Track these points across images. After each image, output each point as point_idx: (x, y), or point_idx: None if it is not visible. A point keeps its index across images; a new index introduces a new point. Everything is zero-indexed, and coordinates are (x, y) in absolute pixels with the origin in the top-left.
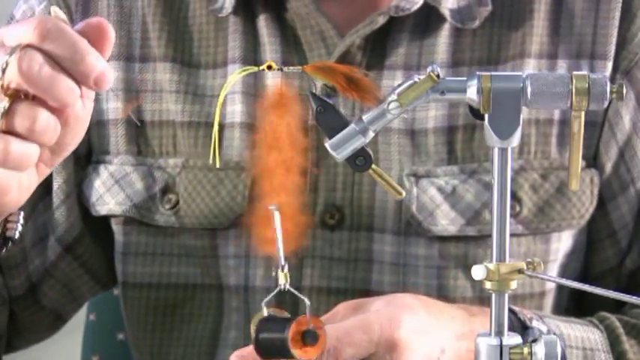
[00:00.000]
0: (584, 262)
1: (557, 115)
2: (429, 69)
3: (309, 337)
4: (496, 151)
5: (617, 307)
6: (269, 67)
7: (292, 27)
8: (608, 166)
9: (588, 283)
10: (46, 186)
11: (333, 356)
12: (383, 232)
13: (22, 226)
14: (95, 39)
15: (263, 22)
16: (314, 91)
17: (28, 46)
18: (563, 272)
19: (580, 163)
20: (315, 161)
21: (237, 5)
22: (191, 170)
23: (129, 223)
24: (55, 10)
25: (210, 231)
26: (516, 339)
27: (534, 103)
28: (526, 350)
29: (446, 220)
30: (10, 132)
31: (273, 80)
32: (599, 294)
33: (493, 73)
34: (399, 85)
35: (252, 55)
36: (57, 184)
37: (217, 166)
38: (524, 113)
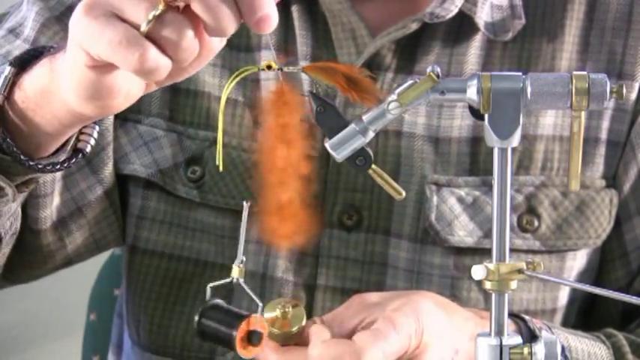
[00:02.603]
0: (596, 280)
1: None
2: (429, 69)
3: (255, 338)
4: (496, 150)
5: (624, 325)
6: (269, 67)
7: (324, 22)
8: (627, 187)
9: (597, 303)
10: None
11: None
12: (400, 237)
13: (95, 140)
14: None
15: (296, 14)
16: (314, 91)
17: None
18: (576, 290)
19: (580, 163)
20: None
21: None
22: (223, 147)
23: (149, 188)
24: None
25: (234, 212)
26: (516, 339)
27: (534, 103)
28: (526, 350)
29: (464, 232)
30: (153, 39)
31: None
32: (600, 294)
33: (493, 73)
34: (399, 85)
35: (284, 44)
36: (111, 117)
37: (220, 169)
38: (549, 130)
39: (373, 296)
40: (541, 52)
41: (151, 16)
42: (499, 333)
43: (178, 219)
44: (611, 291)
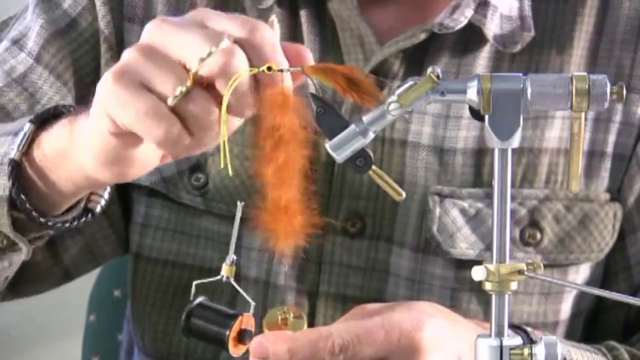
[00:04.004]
0: None
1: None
2: (429, 69)
3: (246, 337)
4: (496, 152)
5: (626, 338)
6: (269, 68)
7: (333, 27)
8: (631, 200)
9: (600, 315)
10: None
11: (351, 353)
12: (402, 246)
13: (106, 201)
14: (292, 63)
15: (304, 18)
16: (314, 92)
17: (237, 42)
18: (579, 303)
19: (580, 164)
20: (342, 167)
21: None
22: (225, 155)
23: (153, 195)
24: (274, 20)
25: None
26: (517, 340)
27: (534, 104)
28: (526, 351)
29: (465, 244)
30: (178, 114)
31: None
32: (602, 295)
33: (493, 74)
34: (400, 86)
35: None
36: None
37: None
38: (555, 143)
39: (374, 306)
40: (549, 64)
41: (178, 92)
42: (499, 334)
43: (182, 226)
44: (612, 292)
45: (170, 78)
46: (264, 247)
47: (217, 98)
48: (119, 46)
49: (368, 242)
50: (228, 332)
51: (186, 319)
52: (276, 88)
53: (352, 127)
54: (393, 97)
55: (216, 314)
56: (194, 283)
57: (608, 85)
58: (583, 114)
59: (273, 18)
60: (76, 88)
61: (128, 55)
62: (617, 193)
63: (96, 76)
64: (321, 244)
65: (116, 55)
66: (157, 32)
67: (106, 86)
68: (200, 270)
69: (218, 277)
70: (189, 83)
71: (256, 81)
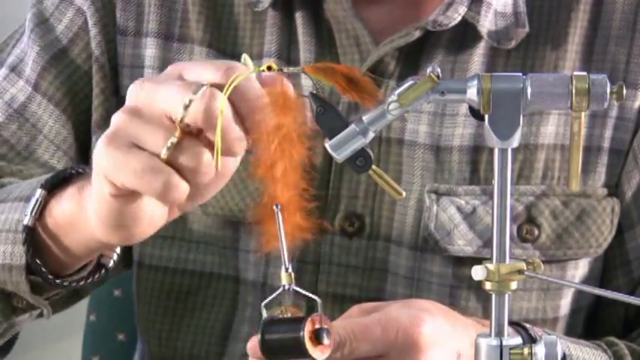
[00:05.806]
0: None
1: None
2: (429, 69)
3: (324, 335)
4: (496, 151)
5: (626, 334)
6: (269, 68)
7: (328, 28)
8: (629, 195)
9: (599, 311)
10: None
11: (348, 349)
12: (400, 245)
13: (118, 256)
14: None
15: (300, 20)
16: (314, 91)
17: (215, 86)
18: (578, 299)
19: (580, 163)
20: (340, 167)
21: (275, 1)
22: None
23: None
24: (246, 58)
25: (233, 223)
26: (516, 339)
27: (534, 104)
28: (526, 351)
29: (463, 241)
30: (172, 165)
31: (306, 80)
32: (601, 295)
33: (493, 73)
34: (399, 86)
35: (286, 51)
36: None
37: (218, 168)
38: (551, 139)
39: (373, 304)
40: (545, 60)
41: (169, 144)
42: (499, 334)
43: (181, 233)
44: (612, 292)
45: (159, 132)
46: (260, 248)
47: (207, 144)
48: (111, 62)
49: (366, 242)
50: (302, 333)
51: (261, 341)
52: (276, 88)
53: (352, 126)
54: (393, 97)
55: (284, 323)
56: (262, 304)
57: (608, 84)
58: (583, 114)
59: (245, 56)
60: (75, 113)
61: (116, 118)
62: (614, 188)
63: (91, 100)
64: (319, 244)
65: (107, 75)
66: (139, 92)
67: (101, 151)
68: (201, 275)
69: (280, 290)
70: (177, 133)
71: (242, 119)
